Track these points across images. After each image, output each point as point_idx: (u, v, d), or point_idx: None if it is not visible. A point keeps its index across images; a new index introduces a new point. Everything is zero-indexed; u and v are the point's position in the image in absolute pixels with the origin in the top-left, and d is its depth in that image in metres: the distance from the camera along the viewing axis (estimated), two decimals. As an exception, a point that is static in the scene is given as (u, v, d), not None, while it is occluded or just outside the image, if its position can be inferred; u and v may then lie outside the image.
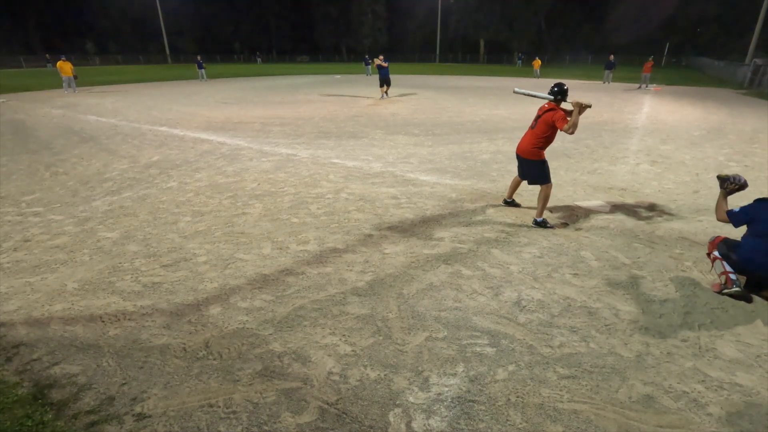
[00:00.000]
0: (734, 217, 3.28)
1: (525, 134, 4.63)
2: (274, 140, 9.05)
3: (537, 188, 4.63)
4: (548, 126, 4.39)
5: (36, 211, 5.06)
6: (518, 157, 4.68)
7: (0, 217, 4.89)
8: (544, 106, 4.45)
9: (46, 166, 7.14)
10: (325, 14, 68.42)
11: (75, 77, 19.48)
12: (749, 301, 3.18)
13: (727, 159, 7.51)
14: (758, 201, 3.24)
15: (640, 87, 22.07)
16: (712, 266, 3.39)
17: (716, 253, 3.32)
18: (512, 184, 5.09)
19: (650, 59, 22.28)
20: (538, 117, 4.49)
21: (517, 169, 4.88)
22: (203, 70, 26.21)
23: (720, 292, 3.24)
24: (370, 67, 27.94)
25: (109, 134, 9.80)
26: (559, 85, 4.42)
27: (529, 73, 32.91)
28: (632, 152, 7.97)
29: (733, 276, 3.17)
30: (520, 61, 50.13)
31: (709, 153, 7.97)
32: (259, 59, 60.97)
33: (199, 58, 26.76)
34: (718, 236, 3.44)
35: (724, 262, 3.22)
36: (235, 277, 3.52)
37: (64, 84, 19.22)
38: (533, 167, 4.55)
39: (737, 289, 3.14)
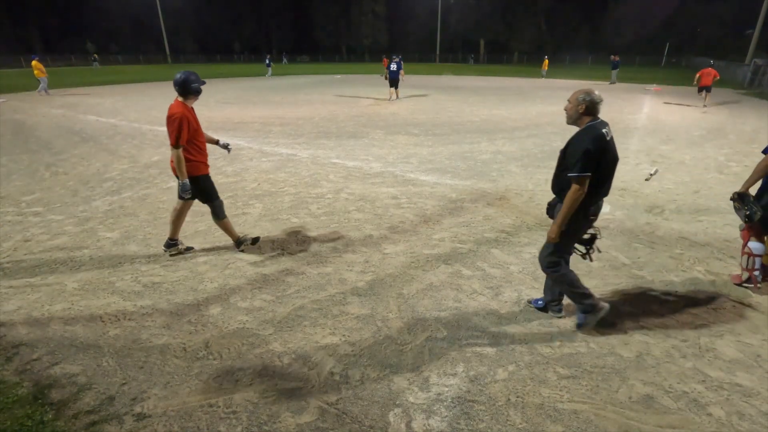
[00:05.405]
0: None
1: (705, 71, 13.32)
2: (274, 140, 9.05)
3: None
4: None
5: (36, 211, 5.06)
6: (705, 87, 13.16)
7: (0, 217, 4.89)
8: (711, 71, 12.62)
9: (46, 166, 7.14)
10: (325, 14, 68.38)
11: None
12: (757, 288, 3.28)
13: (727, 159, 7.50)
14: None
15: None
16: (742, 258, 3.34)
17: (751, 246, 3.25)
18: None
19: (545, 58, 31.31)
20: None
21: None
22: (269, 68, 31.57)
23: (740, 285, 3.37)
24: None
25: (109, 134, 9.80)
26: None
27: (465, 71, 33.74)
28: (632, 152, 7.97)
29: (757, 273, 3.27)
30: (471, 60, 56.49)
31: (709, 153, 7.97)
32: (285, 60, 57.23)
33: (268, 56, 32.34)
34: (750, 225, 3.27)
35: (757, 259, 3.25)
36: (235, 277, 3.52)
37: (41, 86, 17.68)
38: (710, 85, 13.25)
39: (760, 285, 3.27)
